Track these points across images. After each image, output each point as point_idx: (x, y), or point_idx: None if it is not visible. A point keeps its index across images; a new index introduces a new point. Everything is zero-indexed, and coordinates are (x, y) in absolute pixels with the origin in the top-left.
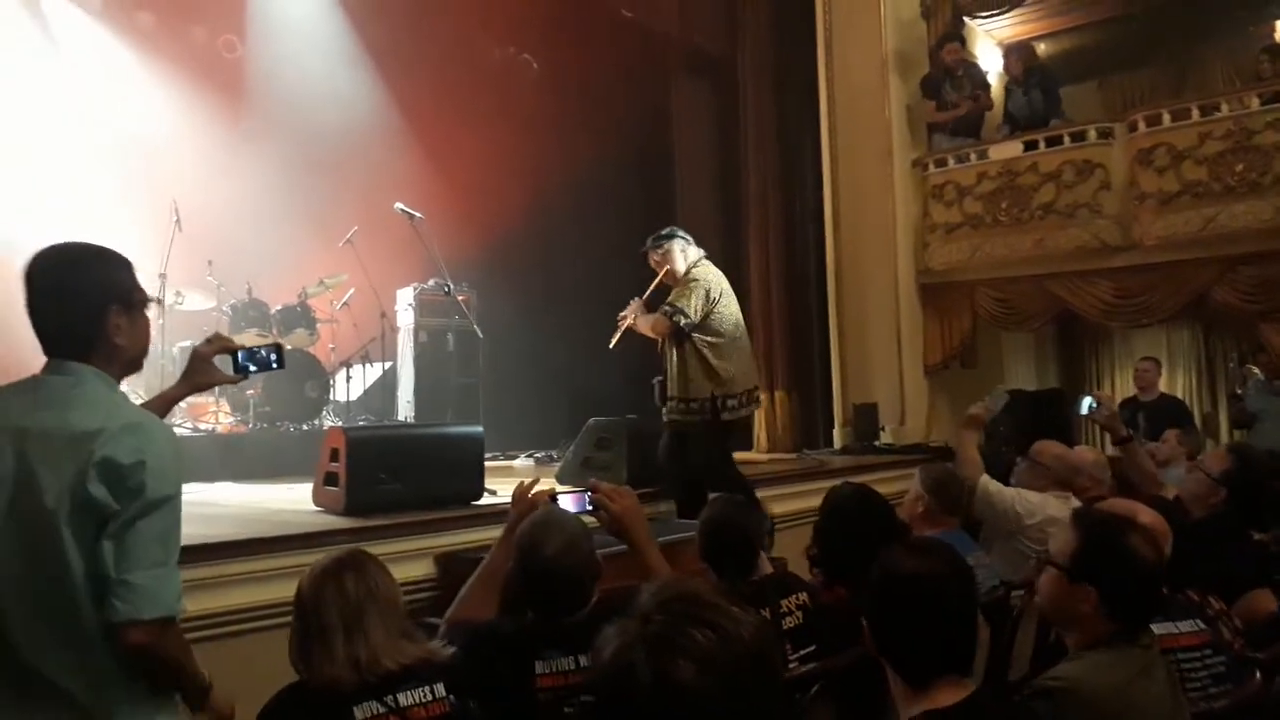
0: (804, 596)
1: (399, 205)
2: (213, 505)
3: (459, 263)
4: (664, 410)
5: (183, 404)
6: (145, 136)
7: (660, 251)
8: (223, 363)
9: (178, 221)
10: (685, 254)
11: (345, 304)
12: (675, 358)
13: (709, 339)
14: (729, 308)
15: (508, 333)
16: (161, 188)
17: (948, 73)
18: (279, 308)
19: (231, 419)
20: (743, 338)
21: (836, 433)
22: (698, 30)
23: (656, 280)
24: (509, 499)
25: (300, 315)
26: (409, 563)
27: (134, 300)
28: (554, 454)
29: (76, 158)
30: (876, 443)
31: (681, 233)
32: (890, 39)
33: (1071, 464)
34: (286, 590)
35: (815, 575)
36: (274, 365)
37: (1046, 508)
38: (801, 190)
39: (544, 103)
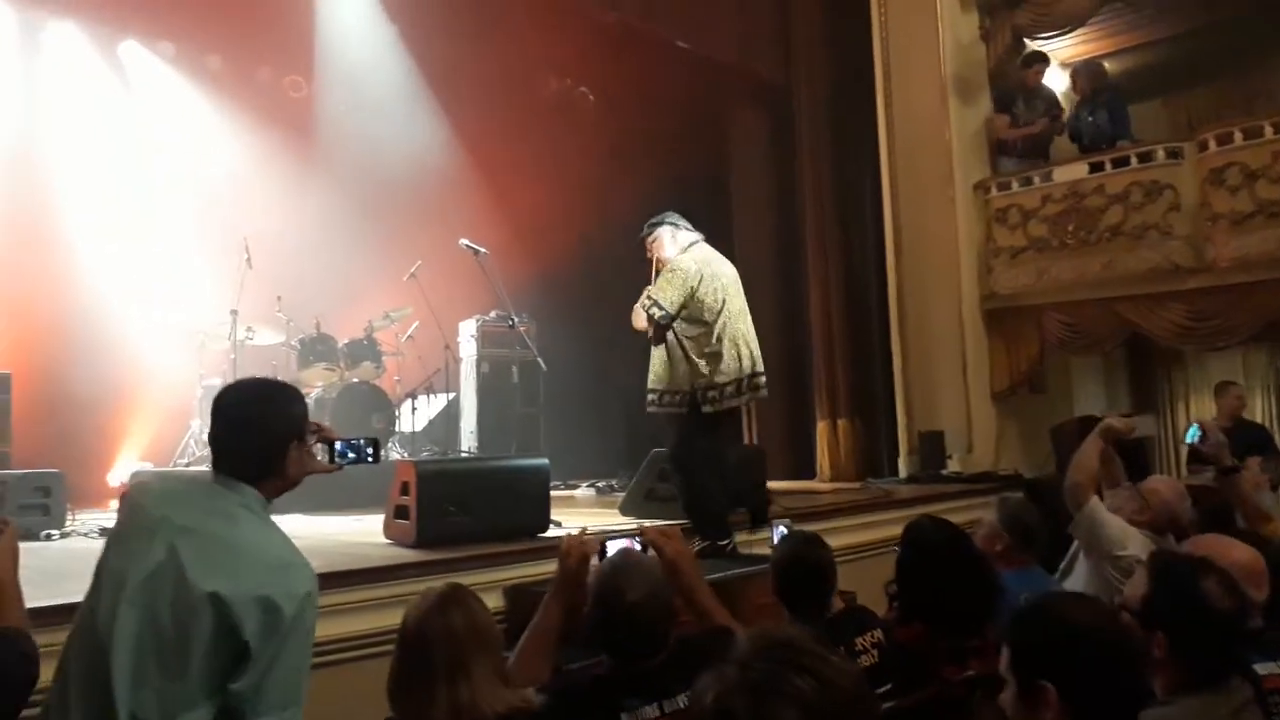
0: (878, 634)
1: (464, 241)
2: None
3: (519, 294)
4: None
5: None
6: (216, 176)
7: (651, 238)
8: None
9: (248, 259)
10: (675, 239)
11: (410, 337)
12: (659, 349)
13: (689, 330)
14: (712, 295)
15: (567, 363)
16: (232, 226)
17: (1023, 91)
18: (346, 341)
19: None
20: (732, 324)
21: (902, 461)
22: (754, 59)
23: (654, 268)
24: (568, 534)
25: (367, 349)
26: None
27: (305, 433)
28: (614, 484)
29: (153, 199)
30: (943, 471)
31: (673, 218)
32: (949, 63)
33: (1174, 511)
34: (363, 624)
35: (892, 610)
36: (369, 459)
37: (1138, 544)
38: (860, 216)
39: (601, 134)
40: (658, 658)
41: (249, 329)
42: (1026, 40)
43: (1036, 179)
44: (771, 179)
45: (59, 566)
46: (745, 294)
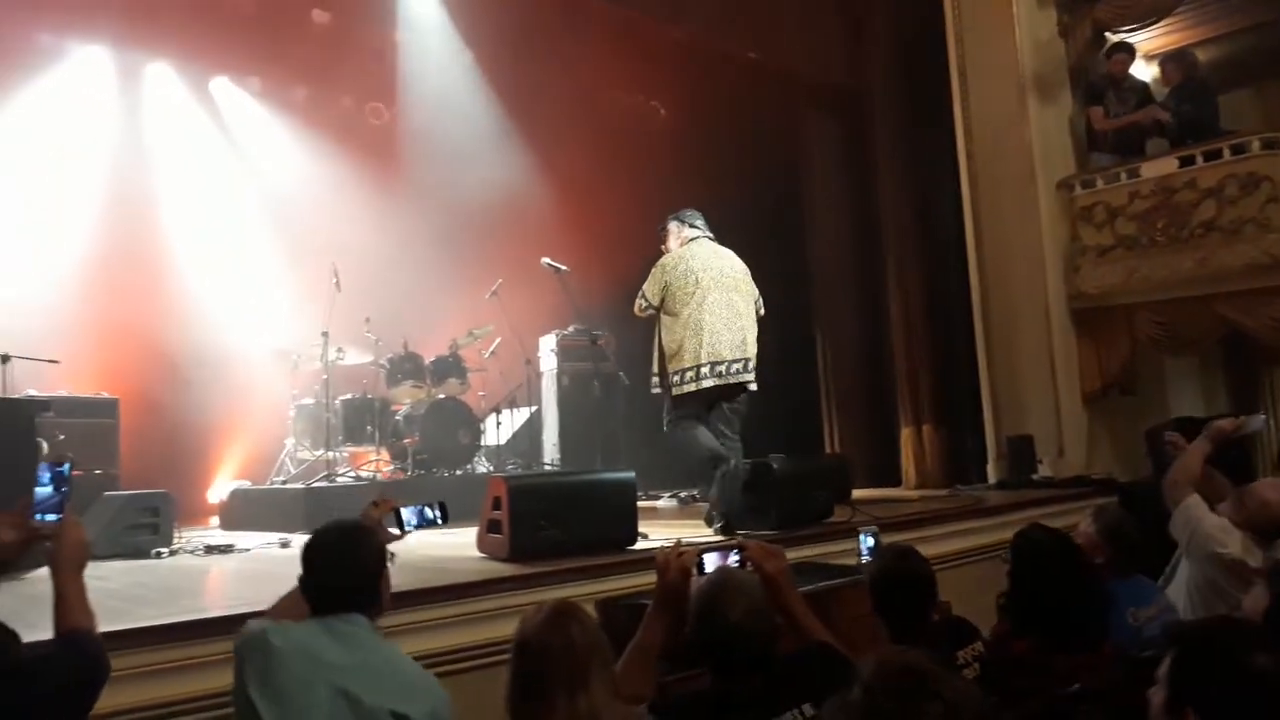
0: (979, 647)
1: (546, 260)
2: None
3: (598, 308)
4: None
5: (344, 453)
6: (304, 203)
7: (662, 233)
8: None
9: (337, 282)
10: (680, 234)
11: (493, 353)
12: (657, 336)
13: (665, 319)
14: (683, 288)
15: (646, 374)
16: (321, 250)
17: (1112, 82)
18: (432, 359)
19: (391, 466)
20: (698, 314)
21: (990, 467)
22: (825, 67)
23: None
24: (659, 544)
25: (452, 365)
26: None
27: (386, 561)
28: (696, 494)
29: (246, 227)
30: (1034, 476)
31: (686, 214)
32: (1027, 61)
33: (1274, 514)
34: (463, 638)
35: (1003, 623)
36: (438, 522)
37: (1239, 544)
38: (940, 220)
39: (674, 148)
40: (761, 675)
41: (339, 349)
42: (1108, 34)
43: (1124, 175)
44: (846, 186)
45: (171, 584)
46: (823, 301)
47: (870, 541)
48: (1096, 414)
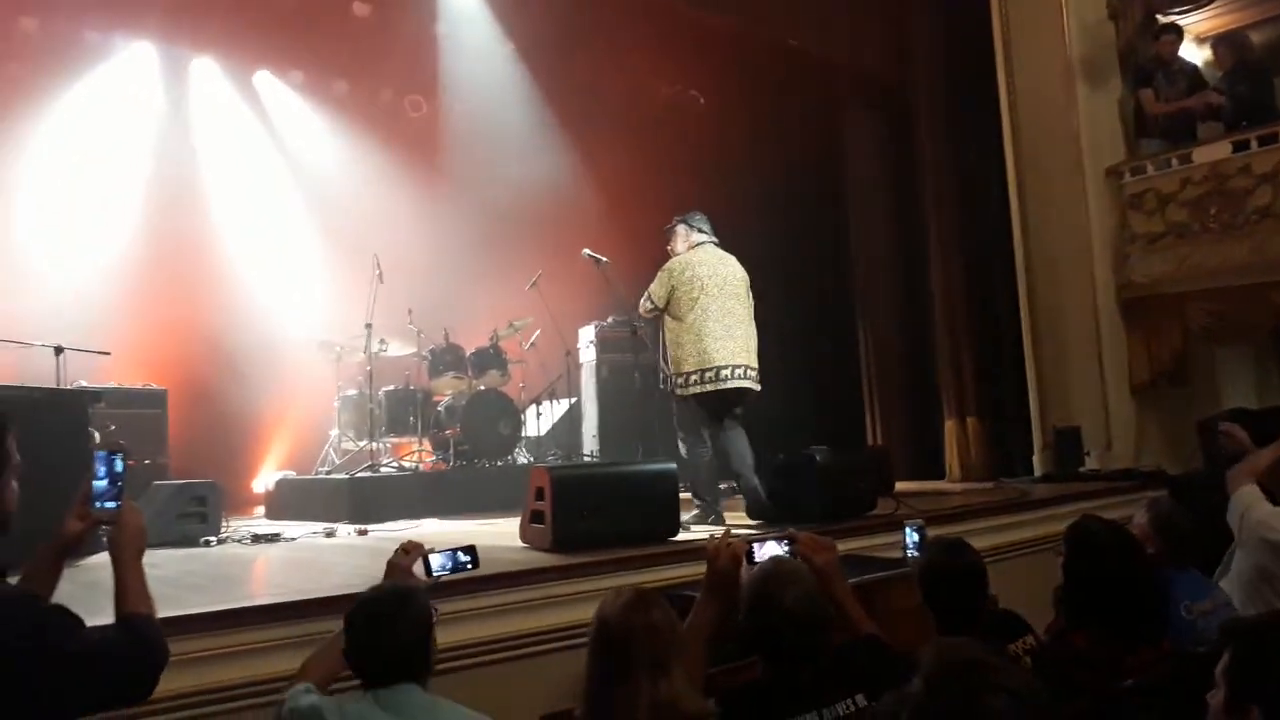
0: (1030, 640)
1: (586, 251)
2: (426, 542)
3: (636, 297)
4: None
5: (388, 443)
6: (346, 196)
7: (670, 233)
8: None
9: (379, 274)
10: (688, 238)
11: (533, 344)
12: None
13: (670, 322)
14: (689, 294)
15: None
16: (364, 243)
17: (1160, 65)
18: (473, 351)
19: (433, 458)
20: (700, 321)
21: (1036, 459)
22: (867, 55)
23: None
24: (702, 536)
25: (493, 357)
26: None
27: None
28: (734, 487)
29: (290, 220)
30: (1081, 469)
31: (694, 219)
32: (1075, 45)
33: None
34: (510, 626)
35: (1059, 617)
36: (468, 566)
37: None
38: (984, 209)
39: (713, 137)
40: (813, 665)
41: (382, 341)
42: (1159, 16)
43: (1174, 161)
44: (888, 175)
45: (221, 571)
46: (864, 292)
47: (915, 535)
48: (1146, 405)
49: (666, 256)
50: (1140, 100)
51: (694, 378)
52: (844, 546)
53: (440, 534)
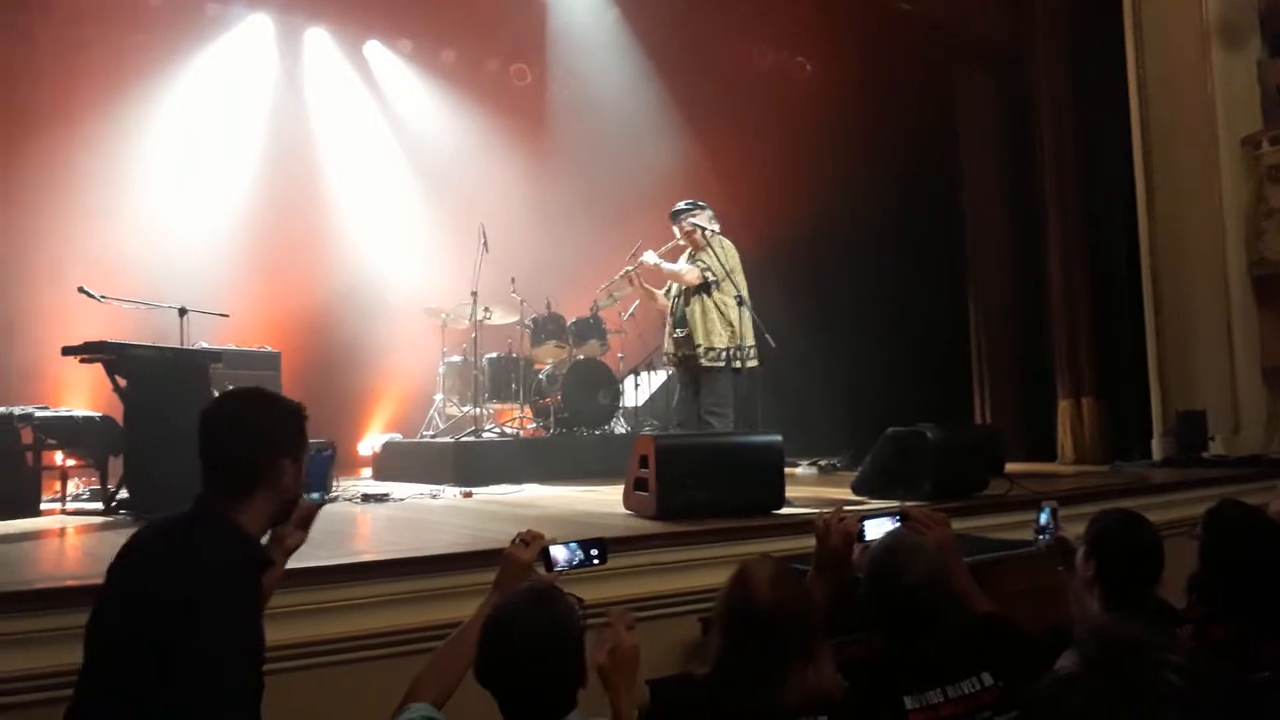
0: (1188, 629)
1: (691, 221)
2: (531, 507)
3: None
4: None
5: (490, 409)
6: (454, 165)
7: (691, 213)
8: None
9: (485, 243)
10: (711, 223)
11: (631, 315)
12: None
13: (702, 296)
14: (737, 274)
15: (783, 339)
16: (470, 211)
17: None
18: (574, 320)
19: (533, 424)
20: (728, 300)
21: (1155, 443)
22: (981, 18)
23: (668, 246)
24: (807, 512)
25: (593, 327)
26: (716, 569)
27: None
28: (836, 462)
29: (400, 188)
30: (1205, 454)
31: (706, 207)
32: (1212, 5)
33: None
34: (614, 590)
35: (1194, 606)
36: (595, 562)
37: None
38: (1107, 180)
39: (818, 105)
40: (935, 641)
41: (487, 309)
42: None
43: None
44: (1003, 144)
45: (334, 528)
46: (976, 263)
47: (1047, 516)
48: (1278, 389)
49: (782, 224)
50: (1268, 69)
51: (724, 354)
52: (955, 526)
53: (542, 498)
